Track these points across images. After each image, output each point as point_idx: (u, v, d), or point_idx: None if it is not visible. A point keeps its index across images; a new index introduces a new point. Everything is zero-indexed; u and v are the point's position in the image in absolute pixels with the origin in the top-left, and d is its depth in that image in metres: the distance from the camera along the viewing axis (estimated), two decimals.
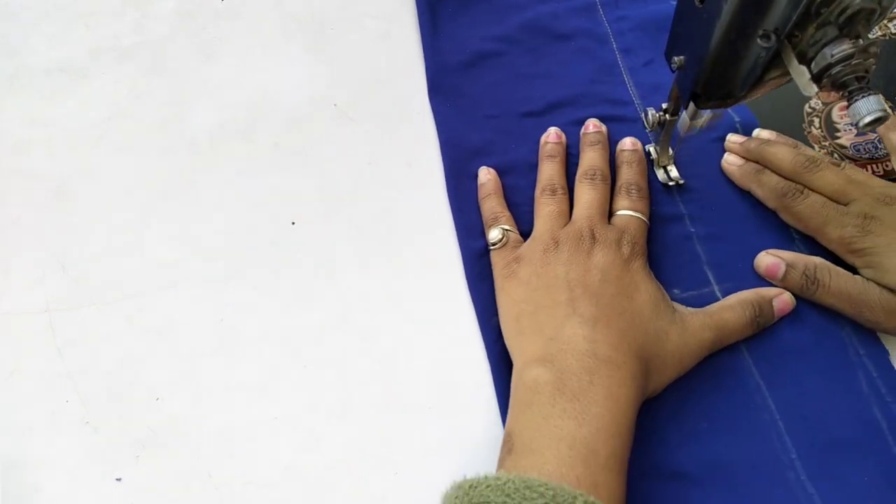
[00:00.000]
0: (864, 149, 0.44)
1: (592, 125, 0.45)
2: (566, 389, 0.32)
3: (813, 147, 0.44)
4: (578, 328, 0.34)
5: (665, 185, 0.43)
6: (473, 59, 0.50)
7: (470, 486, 0.29)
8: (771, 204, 0.41)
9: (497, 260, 0.40)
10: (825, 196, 0.39)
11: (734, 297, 0.38)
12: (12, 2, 0.55)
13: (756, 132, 0.44)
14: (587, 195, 0.40)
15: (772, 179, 0.41)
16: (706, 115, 0.37)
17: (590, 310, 0.34)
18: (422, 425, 0.37)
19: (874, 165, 0.44)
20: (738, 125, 0.45)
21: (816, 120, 0.46)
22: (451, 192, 0.44)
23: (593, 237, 0.38)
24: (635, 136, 0.44)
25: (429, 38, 0.51)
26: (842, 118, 0.46)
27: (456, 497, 0.29)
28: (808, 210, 0.39)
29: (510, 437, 0.32)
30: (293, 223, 0.44)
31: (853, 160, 0.44)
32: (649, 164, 0.44)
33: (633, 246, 0.38)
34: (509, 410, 0.34)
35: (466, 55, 0.50)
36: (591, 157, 0.42)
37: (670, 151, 0.43)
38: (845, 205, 0.38)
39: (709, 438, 0.36)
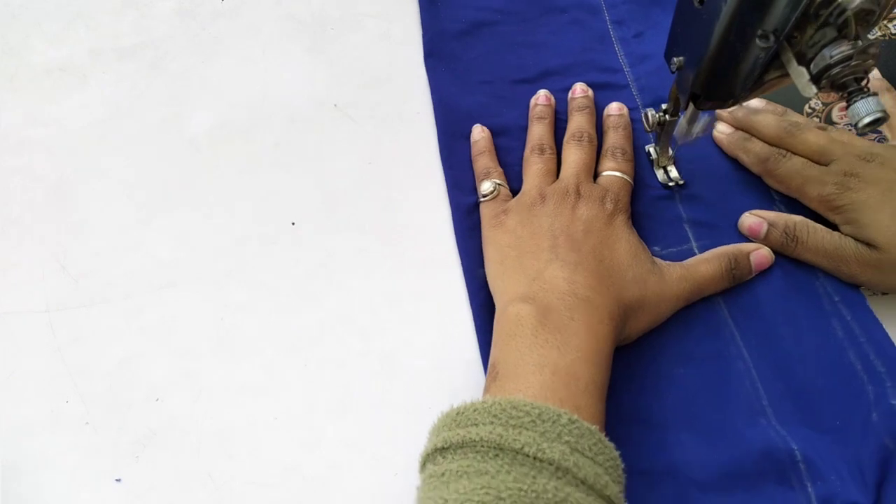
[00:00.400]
0: None
1: (580, 89, 0.46)
2: (548, 322, 0.33)
3: (817, 121, 0.44)
4: (559, 270, 0.35)
5: (665, 186, 0.43)
6: (469, 27, 0.51)
7: (457, 413, 0.30)
8: (755, 169, 0.42)
9: (486, 211, 0.42)
10: (808, 158, 0.40)
11: (711, 251, 0.40)
12: (12, 2, 0.55)
13: (746, 102, 0.44)
14: (574, 155, 0.42)
15: (756, 146, 0.42)
16: (703, 121, 0.37)
17: (571, 255, 0.36)
18: (422, 425, 0.37)
19: None
20: None
21: (816, 120, 0.46)
22: (443, 152, 0.46)
23: (578, 193, 0.39)
24: (623, 102, 0.46)
25: (427, 6, 0.52)
26: (841, 118, 0.46)
27: (444, 424, 0.30)
28: (789, 171, 0.40)
29: (494, 366, 0.33)
30: (293, 223, 0.44)
31: None
32: (649, 164, 0.44)
33: (617, 203, 0.39)
34: (493, 343, 0.35)
35: (462, 24, 0.51)
36: (578, 121, 0.44)
37: (670, 152, 0.43)
38: (827, 165, 0.39)
39: (683, 385, 0.37)
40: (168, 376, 0.39)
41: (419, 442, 0.36)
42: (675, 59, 0.34)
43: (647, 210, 0.42)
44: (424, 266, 0.42)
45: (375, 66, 0.51)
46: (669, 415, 0.36)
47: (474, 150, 0.45)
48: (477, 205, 0.43)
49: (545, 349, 0.32)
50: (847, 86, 0.28)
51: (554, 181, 0.41)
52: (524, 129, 0.46)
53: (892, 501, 0.33)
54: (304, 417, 0.37)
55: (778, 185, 0.41)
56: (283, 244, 0.43)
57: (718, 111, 0.45)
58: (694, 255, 0.41)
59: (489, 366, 0.34)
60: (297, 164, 0.46)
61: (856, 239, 0.37)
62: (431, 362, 0.39)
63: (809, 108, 0.47)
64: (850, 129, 0.45)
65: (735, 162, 0.44)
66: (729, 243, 0.41)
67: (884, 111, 0.27)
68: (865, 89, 0.28)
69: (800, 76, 0.28)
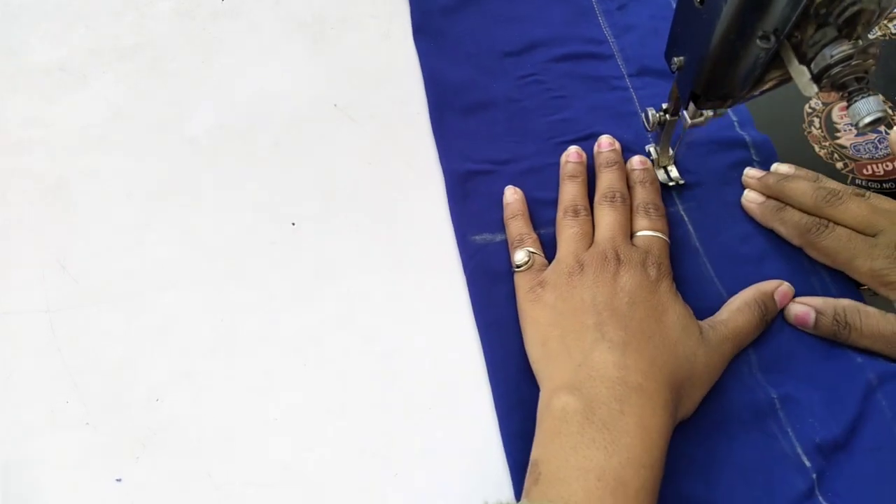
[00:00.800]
0: (864, 149, 0.44)
1: (606, 143, 0.44)
2: (595, 418, 0.31)
3: (814, 147, 0.44)
4: (608, 354, 0.33)
5: (665, 185, 0.43)
6: (455, 3, 0.52)
7: None
8: (796, 241, 0.40)
9: (521, 283, 0.39)
10: (851, 228, 0.38)
11: (738, 300, 0.38)
12: (12, 2, 0.55)
13: (774, 167, 0.43)
14: (609, 217, 0.40)
15: (794, 216, 0.40)
16: (707, 112, 0.37)
17: (619, 334, 0.34)
18: (422, 425, 0.37)
19: (874, 165, 0.44)
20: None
21: (816, 120, 0.46)
22: (434, 124, 0.47)
23: (618, 259, 0.37)
24: (609, 72, 0.47)
25: None
26: (842, 118, 0.46)
27: None
28: (834, 244, 0.38)
29: (536, 466, 0.31)
30: (293, 223, 0.44)
31: (853, 160, 0.44)
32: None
33: (659, 267, 0.37)
34: (536, 437, 0.33)
35: (449, 0, 0.52)
36: (609, 179, 0.42)
37: (670, 152, 0.43)
38: (872, 236, 0.37)
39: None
40: (168, 376, 0.39)
41: (419, 442, 0.36)
42: (675, 59, 0.34)
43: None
44: (424, 266, 0.42)
45: (375, 66, 0.51)
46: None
47: (507, 212, 0.42)
48: (470, 173, 0.44)
49: (591, 450, 0.30)
50: (847, 85, 0.28)
51: (590, 244, 0.39)
52: (511, 101, 0.47)
53: (870, 433, 0.34)
54: (304, 417, 0.37)
55: (822, 257, 0.39)
56: (283, 244, 0.43)
57: (746, 180, 0.43)
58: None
59: (531, 463, 0.32)
60: (297, 164, 0.46)
61: None
62: (431, 362, 0.39)
63: (810, 107, 0.47)
64: (850, 129, 0.45)
65: (735, 162, 0.44)
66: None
67: (884, 110, 0.27)
68: (866, 89, 0.28)
69: (800, 75, 0.28)
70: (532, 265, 0.39)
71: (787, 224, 0.40)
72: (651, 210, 0.40)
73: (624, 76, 0.47)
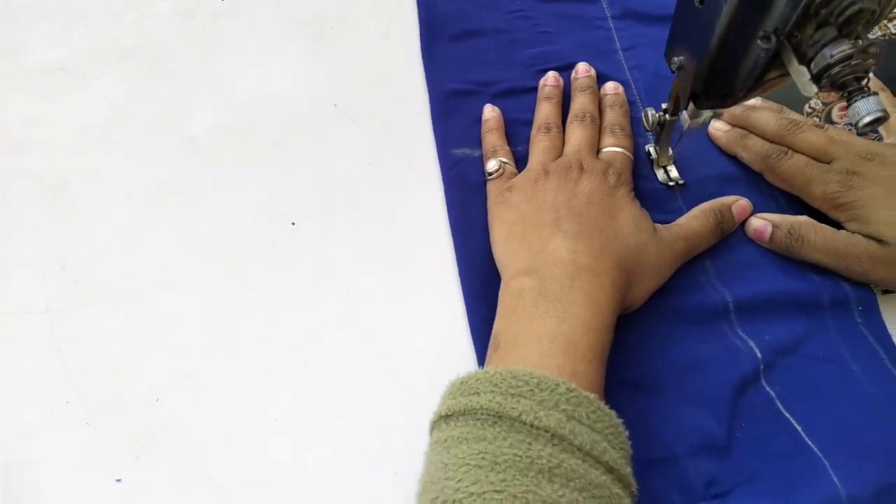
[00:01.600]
0: None
1: (583, 69, 0.47)
2: (548, 293, 0.34)
3: (815, 121, 0.44)
4: (562, 242, 0.36)
5: (665, 185, 0.43)
6: None
7: (462, 382, 0.31)
8: (756, 166, 0.43)
9: (492, 188, 0.42)
10: (808, 156, 0.41)
11: (698, 208, 0.41)
12: (12, 2, 0.55)
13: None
14: (577, 133, 0.43)
15: (756, 143, 0.42)
16: (706, 113, 0.37)
17: (573, 226, 0.37)
18: (422, 425, 0.37)
19: None
20: None
21: (816, 120, 0.46)
22: (424, 49, 0.50)
23: (581, 168, 0.40)
24: (603, 35, 0.50)
25: None
26: (842, 118, 0.46)
27: (450, 392, 0.32)
28: (791, 169, 0.41)
29: (496, 338, 0.34)
30: (293, 223, 0.44)
31: None
32: (649, 163, 0.44)
33: (619, 176, 0.40)
34: (497, 316, 0.36)
35: None
36: (581, 101, 0.45)
37: (670, 152, 0.43)
38: (828, 163, 0.40)
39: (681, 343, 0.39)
40: (168, 376, 0.39)
41: (419, 442, 0.36)
42: (675, 59, 0.34)
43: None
44: (424, 266, 0.42)
45: (375, 66, 0.51)
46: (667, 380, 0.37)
47: (484, 127, 0.46)
48: (454, 92, 0.47)
49: (545, 319, 0.33)
50: (847, 85, 0.28)
51: (558, 157, 0.42)
52: (499, 32, 0.51)
53: (818, 345, 0.38)
54: (304, 418, 0.37)
55: (780, 182, 0.42)
56: (283, 244, 0.43)
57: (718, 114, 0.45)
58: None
59: (492, 337, 0.35)
60: (297, 164, 0.46)
61: (863, 235, 0.38)
62: (431, 362, 0.39)
63: (809, 107, 0.47)
64: (849, 129, 0.45)
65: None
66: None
67: (884, 110, 0.27)
68: (866, 89, 0.28)
69: (800, 75, 0.28)
70: (503, 173, 0.43)
71: (750, 150, 0.43)
72: (617, 129, 0.43)
73: (607, 17, 0.51)
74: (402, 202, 0.44)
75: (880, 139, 0.43)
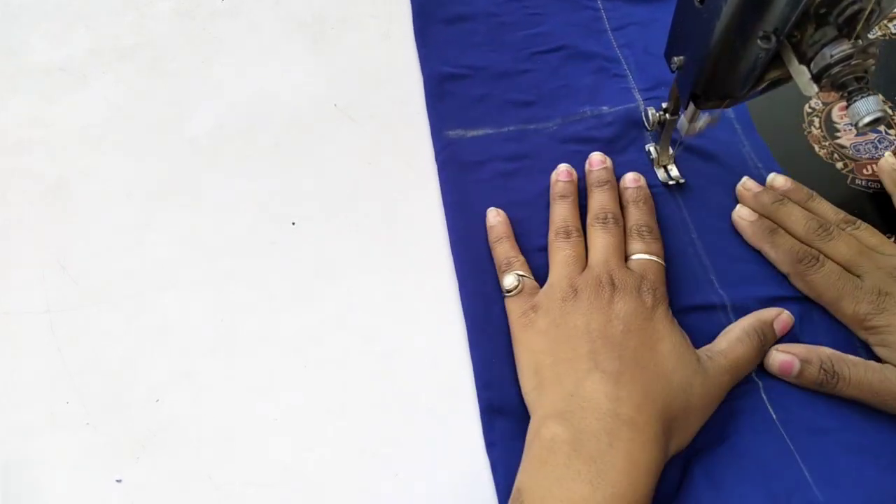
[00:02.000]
0: (864, 149, 0.44)
1: (598, 161, 0.43)
2: (583, 450, 0.30)
3: (814, 147, 0.44)
4: (600, 384, 0.32)
5: (665, 184, 0.43)
6: None
7: None
8: (784, 269, 0.39)
9: (513, 308, 0.38)
10: (838, 264, 0.38)
11: (737, 329, 0.37)
12: (12, 2, 0.55)
13: (770, 178, 0.42)
14: (602, 239, 0.39)
15: (786, 242, 0.39)
16: (704, 118, 0.37)
17: (612, 364, 0.33)
18: (422, 425, 0.37)
19: (874, 165, 0.43)
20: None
21: (816, 120, 0.46)
22: (417, 32, 0.51)
23: (613, 284, 0.36)
24: (591, 15, 0.51)
25: None
26: (842, 118, 0.46)
27: None
28: (822, 282, 0.38)
29: (520, 493, 0.31)
30: (293, 223, 0.44)
31: (853, 160, 0.44)
32: (650, 163, 0.44)
33: (654, 293, 0.36)
34: (522, 464, 0.32)
35: None
36: (600, 200, 0.41)
37: (671, 151, 0.43)
38: (858, 276, 0.37)
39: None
40: (168, 376, 0.39)
41: (419, 442, 0.36)
42: (675, 59, 0.34)
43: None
44: (424, 266, 0.42)
45: (375, 66, 0.51)
46: None
47: (492, 235, 0.42)
48: (448, 75, 0.48)
49: (577, 482, 0.29)
50: (847, 85, 0.28)
51: (583, 267, 0.38)
52: (490, 16, 0.51)
53: None
54: (304, 418, 0.37)
55: (809, 291, 0.39)
56: (283, 244, 0.43)
57: (741, 192, 0.42)
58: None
59: (514, 490, 0.31)
60: (297, 164, 0.46)
61: (893, 364, 0.35)
62: (431, 362, 0.39)
63: (809, 107, 0.47)
64: (850, 129, 0.45)
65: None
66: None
67: (883, 110, 0.27)
68: (865, 89, 0.28)
69: (800, 75, 0.28)
70: (522, 289, 0.38)
71: (779, 250, 0.39)
72: (645, 232, 0.39)
73: (606, 25, 0.52)
74: (402, 202, 0.44)
75: (885, 139, 0.43)
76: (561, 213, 0.41)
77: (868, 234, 0.39)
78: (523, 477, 0.32)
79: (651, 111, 0.40)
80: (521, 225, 0.42)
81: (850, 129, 0.45)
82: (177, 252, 0.43)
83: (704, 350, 0.36)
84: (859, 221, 0.40)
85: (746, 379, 0.37)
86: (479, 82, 0.49)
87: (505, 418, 0.36)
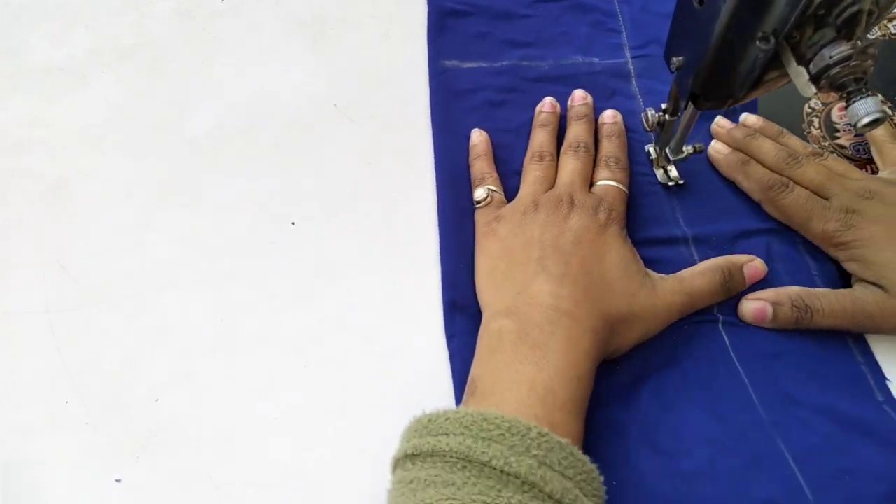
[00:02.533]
0: (864, 149, 0.44)
1: (579, 97, 0.46)
2: (528, 338, 0.33)
3: (813, 147, 0.44)
4: (545, 284, 0.35)
5: (665, 184, 0.43)
6: None
7: (429, 420, 0.30)
8: (756, 196, 0.42)
9: (479, 218, 0.42)
10: (807, 189, 0.40)
11: (705, 264, 0.39)
12: (12, 2, 0.55)
13: (743, 117, 0.45)
14: (570, 164, 0.42)
15: (757, 171, 0.42)
16: (688, 150, 0.39)
17: (558, 268, 0.36)
18: None
19: (874, 166, 0.44)
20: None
21: (816, 120, 0.46)
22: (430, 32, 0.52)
23: (572, 202, 0.39)
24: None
25: None
26: (841, 118, 0.46)
27: (415, 430, 0.31)
28: (792, 205, 0.40)
29: (473, 381, 0.34)
30: (293, 223, 0.44)
31: (853, 160, 0.44)
32: (649, 163, 0.44)
33: (610, 212, 0.39)
34: (475, 357, 0.35)
35: None
36: (576, 130, 0.44)
37: (669, 153, 0.43)
38: (826, 199, 0.39)
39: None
40: (168, 376, 0.39)
41: None
42: (674, 59, 0.34)
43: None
44: (424, 266, 0.42)
45: (375, 66, 0.51)
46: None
47: (472, 153, 0.45)
48: (451, 10, 0.50)
49: (523, 365, 0.32)
50: (846, 86, 0.28)
51: (550, 188, 0.41)
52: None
53: None
54: (304, 418, 0.37)
55: (780, 215, 0.41)
56: (283, 244, 0.43)
57: (715, 129, 0.45)
58: (690, 252, 0.41)
59: (469, 380, 0.34)
60: (297, 164, 0.46)
61: (862, 279, 0.37)
62: (431, 362, 0.39)
63: (809, 107, 0.47)
64: (849, 129, 0.45)
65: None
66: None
67: (882, 111, 0.27)
68: (864, 89, 0.28)
69: (799, 76, 0.28)
70: (490, 202, 0.42)
71: (751, 178, 0.42)
72: (612, 162, 0.42)
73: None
74: (402, 202, 0.44)
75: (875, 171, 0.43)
76: (538, 138, 0.44)
77: (835, 162, 0.41)
78: (476, 366, 0.35)
79: (650, 112, 0.40)
80: (503, 150, 0.45)
81: (849, 130, 0.45)
82: (177, 252, 0.43)
83: (666, 275, 0.38)
84: (827, 153, 0.42)
85: (707, 311, 0.39)
86: (480, 20, 0.51)
87: (464, 314, 0.39)
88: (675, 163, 0.43)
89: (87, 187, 0.46)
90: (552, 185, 0.41)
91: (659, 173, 0.44)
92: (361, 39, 0.52)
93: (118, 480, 0.36)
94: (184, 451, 0.36)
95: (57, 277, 0.42)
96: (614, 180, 0.41)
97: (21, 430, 0.37)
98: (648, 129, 0.41)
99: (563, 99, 0.47)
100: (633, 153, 0.44)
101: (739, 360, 0.37)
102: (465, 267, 0.40)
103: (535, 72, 0.49)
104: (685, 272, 0.39)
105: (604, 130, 0.44)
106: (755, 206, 0.42)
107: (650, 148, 0.44)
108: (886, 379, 0.36)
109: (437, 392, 0.38)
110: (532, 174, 0.42)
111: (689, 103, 0.36)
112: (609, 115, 0.45)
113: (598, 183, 0.41)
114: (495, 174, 0.43)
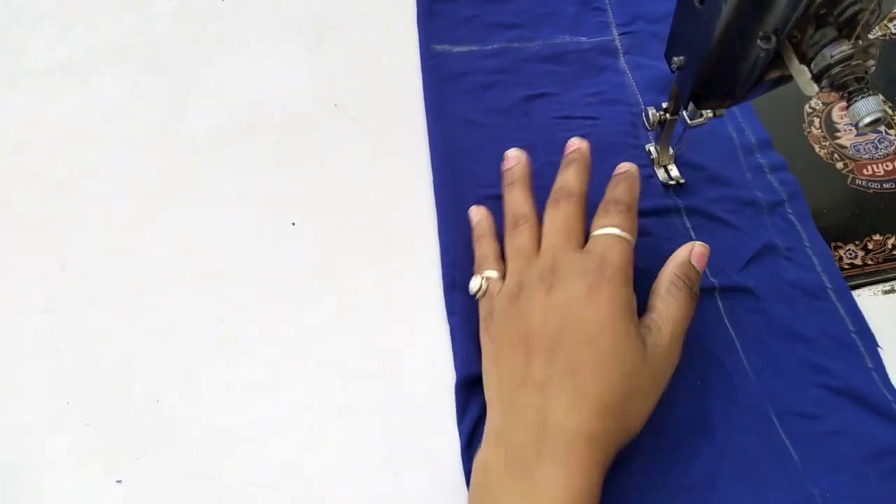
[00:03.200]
0: (864, 149, 0.44)
1: (571, 145, 0.39)
2: (514, 467, 0.30)
3: (814, 147, 0.44)
4: (530, 398, 0.31)
5: (665, 184, 0.43)
6: None
7: None
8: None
9: (481, 313, 0.37)
10: None
11: (662, 283, 0.34)
12: (12, 2, 0.55)
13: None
14: (549, 222, 0.36)
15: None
16: (705, 115, 0.37)
17: (542, 371, 0.31)
18: (421, 426, 0.37)
19: (874, 165, 0.44)
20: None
21: (816, 120, 0.46)
22: (420, 21, 0.52)
23: (554, 271, 0.34)
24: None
25: None
26: (842, 118, 0.46)
27: None
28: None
29: None
30: (293, 223, 0.44)
31: (853, 160, 0.44)
32: (649, 163, 0.44)
33: (602, 272, 0.33)
34: (468, 497, 0.32)
35: None
36: (560, 178, 0.38)
37: (670, 151, 0.43)
38: None
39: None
40: (168, 376, 0.39)
41: (419, 442, 0.36)
42: (675, 59, 0.34)
43: (648, 207, 0.43)
44: (424, 266, 0.42)
45: (375, 66, 0.51)
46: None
47: (474, 233, 0.40)
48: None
49: (510, 497, 0.29)
50: (847, 85, 0.28)
51: (537, 253, 0.36)
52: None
53: None
54: (304, 418, 0.37)
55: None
56: (284, 244, 0.43)
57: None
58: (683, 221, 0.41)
59: None
60: (297, 164, 0.46)
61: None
62: (431, 362, 0.39)
63: (809, 107, 0.47)
64: (850, 129, 0.45)
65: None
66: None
67: (883, 111, 0.27)
68: (866, 89, 0.28)
69: (801, 75, 0.28)
70: (485, 293, 0.37)
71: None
72: (611, 206, 0.35)
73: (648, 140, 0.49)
74: (402, 202, 0.44)
75: (885, 139, 0.43)
76: (508, 202, 0.39)
77: None
78: (469, 501, 0.32)
79: (651, 111, 0.40)
80: (497, 130, 0.46)
81: (850, 129, 0.45)
82: (177, 252, 0.43)
83: (644, 322, 0.34)
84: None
85: (707, 297, 0.39)
86: (467, 4, 0.52)
87: (464, 293, 0.39)
88: (676, 162, 0.43)
89: (87, 187, 0.46)
90: (537, 249, 0.36)
91: (660, 173, 0.44)
92: (361, 39, 0.52)
93: (118, 481, 0.36)
94: (184, 451, 0.36)
95: (57, 277, 0.42)
96: (613, 226, 0.34)
97: (21, 430, 0.37)
98: (649, 128, 0.41)
99: (553, 79, 0.48)
100: (632, 143, 0.44)
101: (732, 325, 0.38)
102: (464, 246, 0.41)
103: (525, 52, 0.50)
104: (657, 303, 0.34)
105: (613, 180, 0.38)
106: (755, 206, 0.42)
107: (651, 147, 0.44)
108: (878, 346, 0.37)
109: (437, 392, 0.38)
110: (512, 247, 0.37)
111: (690, 102, 0.35)
112: (622, 165, 0.38)
113: (595, 233, 0.35)
114: (497, 253, 0.38)
